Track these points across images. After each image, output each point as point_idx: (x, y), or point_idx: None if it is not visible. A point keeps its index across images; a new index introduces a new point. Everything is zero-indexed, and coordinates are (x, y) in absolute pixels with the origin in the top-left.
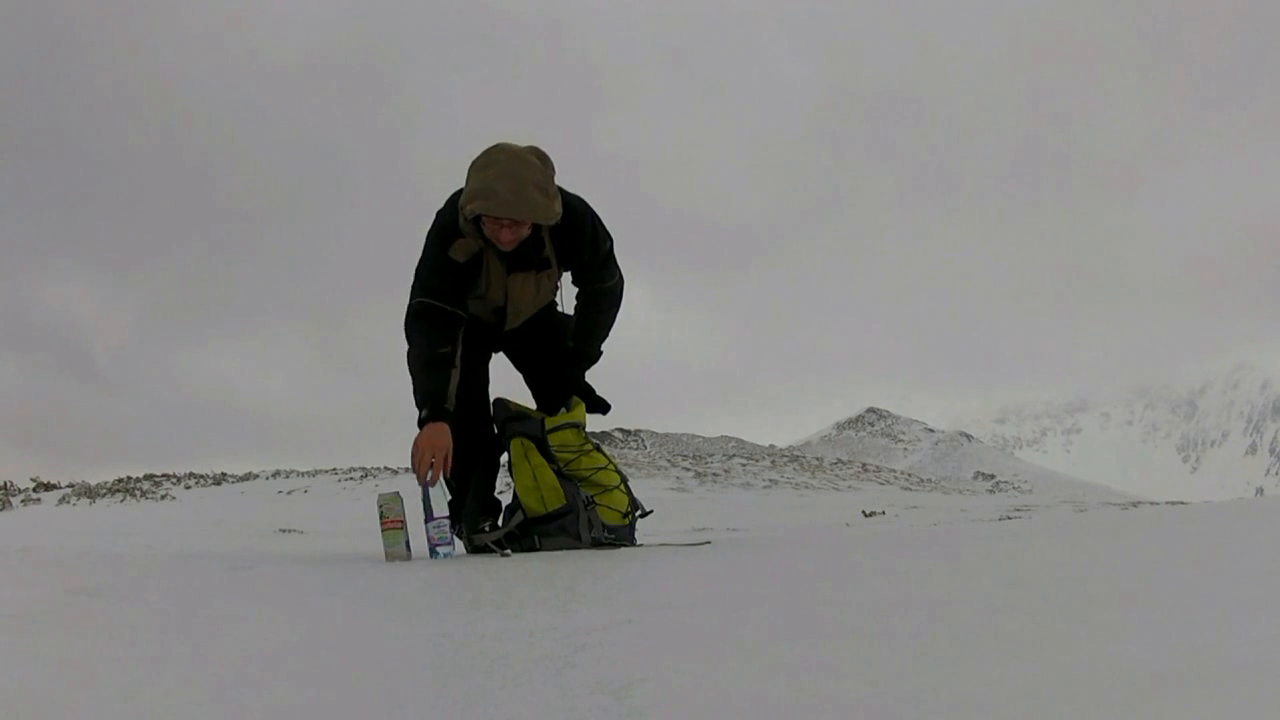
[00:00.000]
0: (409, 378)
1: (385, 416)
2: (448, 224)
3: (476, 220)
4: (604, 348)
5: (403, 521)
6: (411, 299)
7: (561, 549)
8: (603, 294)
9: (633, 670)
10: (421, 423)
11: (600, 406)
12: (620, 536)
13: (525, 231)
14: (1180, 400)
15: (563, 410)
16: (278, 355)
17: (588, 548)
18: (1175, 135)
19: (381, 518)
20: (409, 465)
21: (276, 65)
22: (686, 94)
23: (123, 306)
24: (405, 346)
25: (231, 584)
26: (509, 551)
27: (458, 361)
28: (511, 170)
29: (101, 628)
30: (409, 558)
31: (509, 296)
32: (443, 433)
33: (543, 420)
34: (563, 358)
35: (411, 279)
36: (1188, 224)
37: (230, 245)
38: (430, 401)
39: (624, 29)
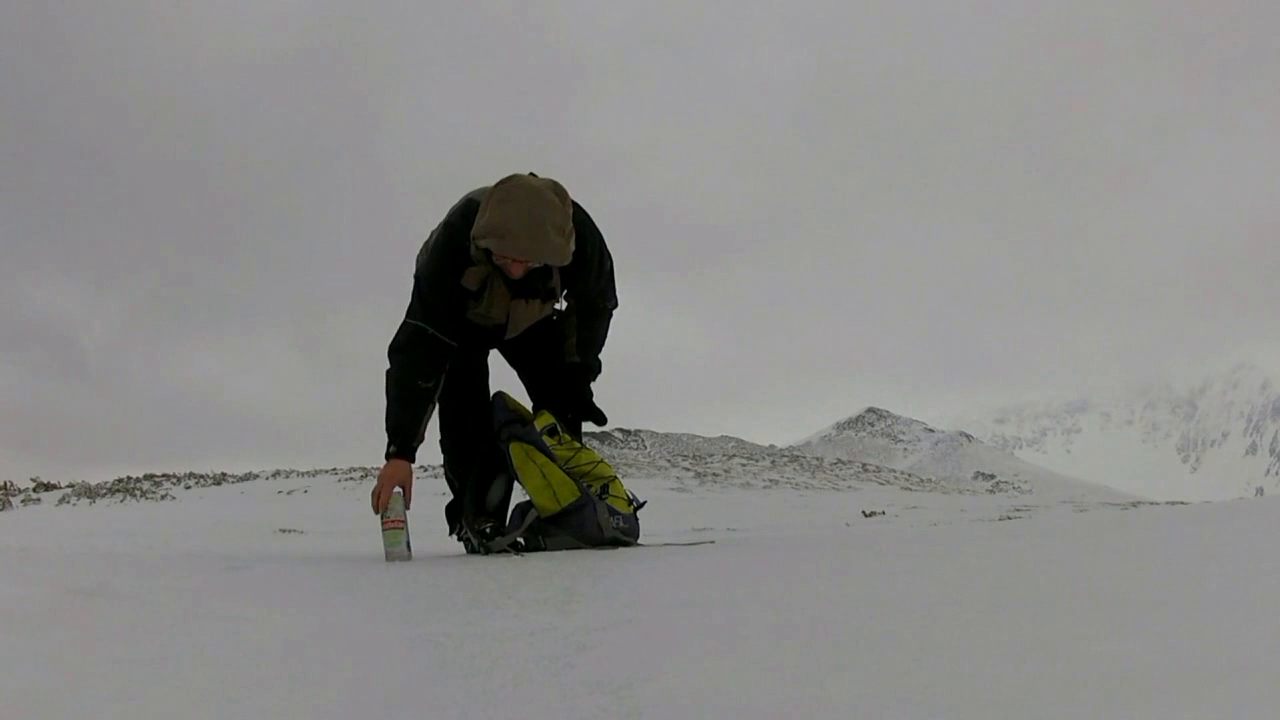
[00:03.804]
0: (384, 398)
1: (377, 417)
2: (459, 248)
3: (487, 249)
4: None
5: (404, 521)
6: (408, 317)
7: (564, 548)
8: (601, 311)
9: (633, 670)
10: (388, 457)
11: (597, 417)
12: (633, 526)
13: (536, 265)
14: (1180, 400)
15: (540, 417)
16: (267, 355)
17: (610, 536)
18: (1176, 130)
19: (382, 518)
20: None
21: (259, 64)
22: (668, 85)
23: (112, 307)
24: (387, 364)
25: (231, 584)
26: (515, 549)
27: (437, 399)
28: (529, 209)
29: (101, 628)
30: (409, 557)
31: (510, 317)
32: (403, 469)
33: (533, 424)
34: (568, 371)
35: (411, 292)
36: (1188, 222)
37: (216, 245)
38: (400, 437)
39: (604, 19)
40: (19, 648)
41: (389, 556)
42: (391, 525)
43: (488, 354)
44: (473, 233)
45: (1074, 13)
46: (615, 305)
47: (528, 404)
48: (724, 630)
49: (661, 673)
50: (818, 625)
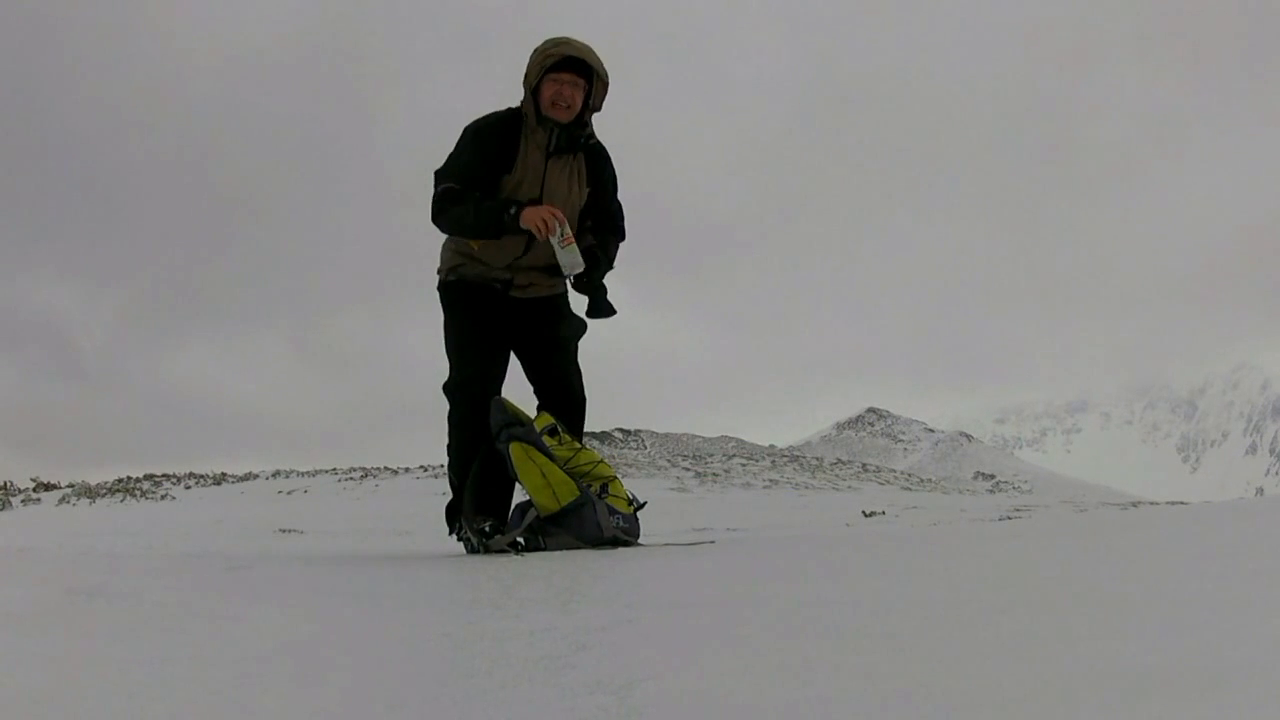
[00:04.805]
0: (463, 228)
1: (376, 417)
2: (503, 109)
3: (534, 98)
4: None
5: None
6: (437, 185)
7: (564, 548)
8: (616, 229)
9: (633, 670)
10: (517, 213)
11: (605, 310)
12: (634, 526)
13: (579, 101)
14: (1180, 400)
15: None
16: (266, 355)
17: (610, 535)
18: (1176, 128)
19: (561, 236)
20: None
21: (257, 62)
22: (667, 85)
23: (110, 307)
24: (441, 225)
25: (231, 584)
26: (515, 548)
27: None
28: (578, 39)
29: (101, 628)
30: (583, 266)
31: (545, 188)
32: (543, 207)
33: (532, 425)
34: (589, 252)
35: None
36: (1188, 221)
37: (215, 244)
38: (505, 203)
39: (602, 17)
40: (19, 648)
41: (568, 268)
42: (569, 242)
43: (507, 354)
44: (526, 72)
45: (1074, 12)
46: (623, 237)
47: (529, 412)
48: (724, 630)
49: (661, 673)
50: (818, 625)
